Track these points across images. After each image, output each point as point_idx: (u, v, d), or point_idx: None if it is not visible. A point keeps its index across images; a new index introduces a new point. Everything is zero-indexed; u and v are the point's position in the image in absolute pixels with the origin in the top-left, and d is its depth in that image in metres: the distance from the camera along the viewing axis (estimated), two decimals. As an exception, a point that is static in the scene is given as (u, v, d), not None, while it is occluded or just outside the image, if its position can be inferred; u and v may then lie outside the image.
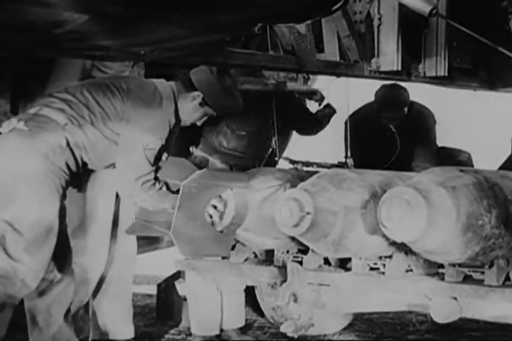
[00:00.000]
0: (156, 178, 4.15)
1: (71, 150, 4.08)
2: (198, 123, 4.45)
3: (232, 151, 5.26)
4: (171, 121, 4.21)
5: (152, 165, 4.14)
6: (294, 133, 5.76)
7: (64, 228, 4.12)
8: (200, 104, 4.30)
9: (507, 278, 3.66)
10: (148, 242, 4.99)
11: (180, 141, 5.19)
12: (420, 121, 5.96)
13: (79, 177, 4.27)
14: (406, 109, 5.85)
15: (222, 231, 4.16)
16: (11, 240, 3.92)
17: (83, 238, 4.59)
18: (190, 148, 5.27)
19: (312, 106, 5.60)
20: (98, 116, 4.12)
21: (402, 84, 5.72)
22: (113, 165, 4.20)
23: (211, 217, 4.12)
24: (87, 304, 4.75)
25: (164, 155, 4.32)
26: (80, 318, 4.68)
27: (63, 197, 4.09)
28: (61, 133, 4.04)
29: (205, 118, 4.41)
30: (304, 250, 4.09)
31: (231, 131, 5.29)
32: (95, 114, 4.12)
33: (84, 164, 4.18)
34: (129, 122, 4.12)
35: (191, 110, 4.32)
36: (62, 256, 4.14)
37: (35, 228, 3.95)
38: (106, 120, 4.12)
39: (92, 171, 4.33)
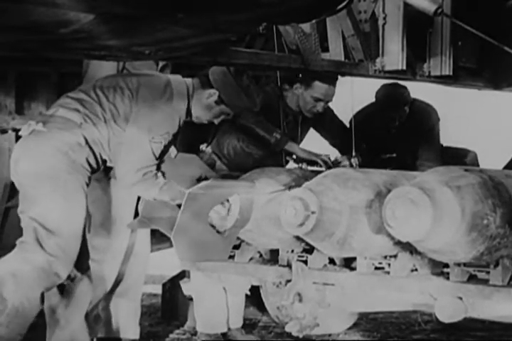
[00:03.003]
0: (158, 170, 4.19)
1: (90, 147, 4.15)
2: (216, 122, 4.47)
3: (235, 165, 5.20)
4: (181, 116, 4.25)
5: (156, 159, 4.19)
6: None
7: (84, 226, 4.17)
8: (216, 102, 4.33)
9: (512, 278, 3.66)
10: (153, 242, 4.98)
11: (192, 137, 5.19)
12: (423, 119, 5.95)
13: (101, 174, 4.35)
14: (407, 108, 5.86)
15: (224, 232, 4.17)
16: (44, 237, 4.01)
17: (104, 236, 4.60)
18: (201, 146, 5.26)
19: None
20: (109, 114, 4.18)
21: (407, 83, 5.72)
22: None
23: (213, 216, 4.14)
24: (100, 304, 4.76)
25: (173, 152, 4.35)
26: (94, 318, 4.69)
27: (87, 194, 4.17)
28: (79, 132, 4.12)
29: (222, 116, 4.43)
30: (309, 249, 4.09)
31: (240, 147, 5.25)
32: (106, 111, 4.19)
33: (105, 161, 4.25)
34: (136, 117, 4.17)
35: (206, 107, 4.34)
36: (80, 255, 4.17)
37: (64, 225, 4.03)
38: (116, 117, 4.18)
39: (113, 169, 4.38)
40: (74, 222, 4.06)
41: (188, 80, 4.35)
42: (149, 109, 4.17)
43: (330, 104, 5.61)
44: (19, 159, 4.10)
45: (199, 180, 4.31)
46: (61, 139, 4.08)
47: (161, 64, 4.83)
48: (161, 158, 4.24)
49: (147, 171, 4.15)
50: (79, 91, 4.27)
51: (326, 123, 5.58)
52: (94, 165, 4.20)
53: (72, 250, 4.07)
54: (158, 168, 4.22)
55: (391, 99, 5.83)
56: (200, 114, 4.36)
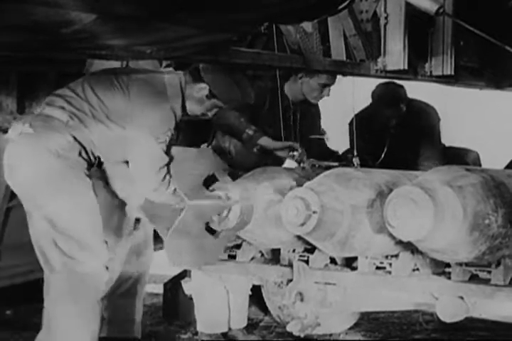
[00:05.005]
0: (168, 171, 4.16)
1: (80, 143, 4.12)
2: (209, 114, 4.46)
3: (239, 163, 5.18)
4: (176, 111, 4.20)
5: (167, 155, 4.15)
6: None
7: (99, 216, 4.19)
8: (207, 96, 4.32)
9: (514, 278, 3.66)
10: (154, 241, 4.98)
11: (192, 137, 5.18)
12: (423, 119, 5.96)
13: (100, 171, 4.34)
14: (403, 106, 5.85)
15: (219, 232, 4.15)
16: (62, 242, 4.03)
17: (108, 235, 4.59)
18: (202, 146, 5.24)
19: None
20: (98, 109, 4.14)
21: (408, 83, 5.72)
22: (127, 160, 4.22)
23: (213, 219, 4.13)
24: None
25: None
26: None
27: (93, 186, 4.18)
28: (66, 130, 4.09)
29: (215, 109, 4.41)
30: (311, 249, 4.10)
31: (241, 144, 5.24)
32: (95, 107, 4.14)
33: (98, 157, 4.22)
34: (134, 115, 4.13)
35: (198, 101, 4.32)
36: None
37: (77, 225, 4.05)
38: (107, 112, 4.14)
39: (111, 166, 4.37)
40: (86, 218, 4.07)
41: (180, 74, 4.32)
42: (146, 107, 4.12)
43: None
44: (14, 166, 4.07)
45: (206, 180, 4.28)
46: (49, 139, 4.05)
47: (164, 63, 4.83)
48: (168, 155, 4.20)
49: (164, 173, 4.11)
50: (65, 88, 4.22)
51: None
52: (89, 160, 4.17)
53: (96, 243, 4.11)
54: (168, 165, 4.19)
55: (385, 96, 5.84)
56: (192, 108, 4.34)
